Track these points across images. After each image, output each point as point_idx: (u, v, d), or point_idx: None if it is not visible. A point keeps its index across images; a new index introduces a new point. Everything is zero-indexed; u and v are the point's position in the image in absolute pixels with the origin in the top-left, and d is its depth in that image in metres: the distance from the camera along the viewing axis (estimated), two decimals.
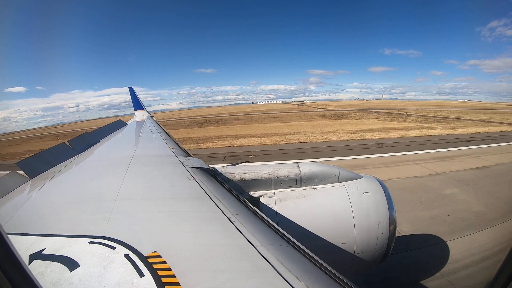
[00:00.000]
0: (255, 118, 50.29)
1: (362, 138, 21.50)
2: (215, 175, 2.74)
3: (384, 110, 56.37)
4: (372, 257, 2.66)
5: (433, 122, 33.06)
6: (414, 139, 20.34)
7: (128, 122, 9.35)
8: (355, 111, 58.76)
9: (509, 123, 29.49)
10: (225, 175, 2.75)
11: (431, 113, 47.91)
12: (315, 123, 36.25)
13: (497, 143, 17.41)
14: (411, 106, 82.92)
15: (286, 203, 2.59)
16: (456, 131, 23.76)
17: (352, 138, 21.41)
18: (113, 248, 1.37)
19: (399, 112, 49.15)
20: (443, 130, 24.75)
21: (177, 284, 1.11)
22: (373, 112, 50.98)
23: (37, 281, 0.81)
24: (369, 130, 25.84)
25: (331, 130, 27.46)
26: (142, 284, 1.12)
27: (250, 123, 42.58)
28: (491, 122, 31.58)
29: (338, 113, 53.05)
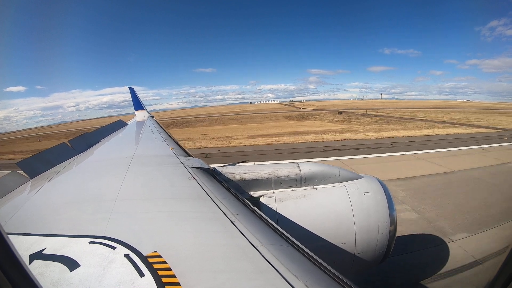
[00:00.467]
0: (220, 120, 50.62)
1: (231, 145, 20.01)
2: (215, 175, 2.74)
3: (356, 111, 56.57)
4: (372, 257, 2.66)
5: (382, 123, 31.49)
6: (288, 146, 18.67)
7: (129, 122, 9.36)
8: (326, 111, 59.24)
9: (469, 125, 28.22)
10: (225, 175, 2.75)
11: (403, 113, 47.67)
12: (256, 126, 35.82)
13: (355, 155, 14.37)
14: (397, 105, 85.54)
15: (286, 203, 2.59)
16: (360, 136, 21.48)
17: (217, 146, 20.28)
18: (113, 248, 1.37)
19: (366, 113, 49.83)
20: (359, 135, 22.53)
21: (177, 284, 1.11)
22: (338, 113, 52.20)
23: (37, 281, 0.81)
24: (278, 135, 24.69)
25: (236, 134, 26.59)
26: (142, 284, 1.12)
27: (212, 125, 42.83)
28: (451, 123, 30.13)
29: (305, 114, 53.65)
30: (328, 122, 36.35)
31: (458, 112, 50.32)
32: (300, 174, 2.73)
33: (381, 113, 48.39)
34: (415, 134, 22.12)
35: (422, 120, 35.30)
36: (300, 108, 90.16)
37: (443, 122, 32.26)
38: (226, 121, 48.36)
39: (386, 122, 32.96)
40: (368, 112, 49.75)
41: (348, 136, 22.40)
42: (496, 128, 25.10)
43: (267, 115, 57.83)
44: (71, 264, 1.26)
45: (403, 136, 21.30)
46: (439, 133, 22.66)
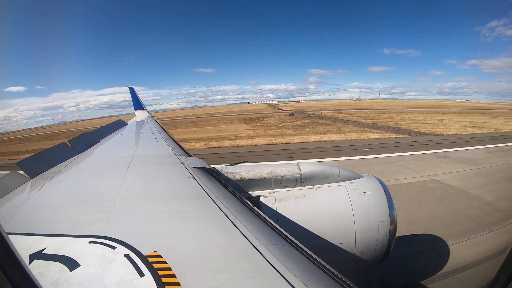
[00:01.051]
0: (178, 123, 50.81)
1: None
2: (215, 175, 2.74)
3: (317, 112, 57.18)
4: (372, 257, 2.65)
5: (294, 128, 30.37)
6: None
7: (129, 122, 9.35)
8: (283, 114, 58.98)
9: (396, 129, 26.30)
10: (225, 174, 2.75)
11: (367, 114, 47.90)
12: (188, 131, 35.56)
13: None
14: (378, 106, 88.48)
15: (286, 202, 2.59)
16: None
17: None
18: (113, 248, 1.37)
19: (321, 114, 51.86)
20: (245, 141, 21.71)
21: (177, 284, 1.11)
22: (289, 115, 53.28)
23: (37, 281, 0.81)
24: None
25: None
26: (142, 284, 1.12)
27: (170, 128, 42.57)
28: (378, 127, 28.09)
29: (263, 116, 54.04)
30: (252, 127, 35.49)
31: (433, 112, 50.95)
32: (300, 173, 2.73)
33: (336, 114, 49.97)
34: (283, 142, 20.59)
35: (359, 123, 33.19)
36: (275, 108, 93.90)
37: (372, 125, 30.49)
38: (184, 124, 48.68)
39: (305, 126, 31.97)
40: (323, 114, 51.59)
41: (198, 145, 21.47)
42: (418, 134, 23.08)
43: (231, 117, 57.91)
44: (71, 264, 1.26)
45: (244, 145, 20.04)
46: (327, 139, 21.10)
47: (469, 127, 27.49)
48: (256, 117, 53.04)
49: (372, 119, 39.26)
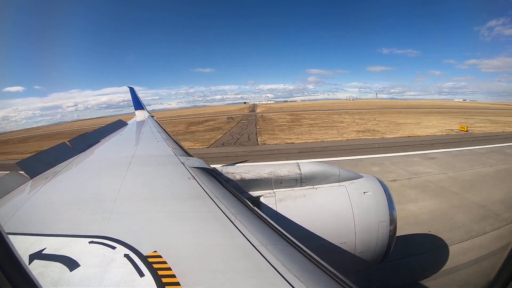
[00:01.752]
0: None
1: None
2: (215, 175, 2.75)
3: (278, 113, 60.24)
4: (372, 257, 2.65)
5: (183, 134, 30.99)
6: None
7: (129, 122, 9.36)
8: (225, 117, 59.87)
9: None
10: (225, 175, 2.76)
11: (315, 115, 49.63)
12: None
13: None
14: (359, 106, 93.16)
15: (286, 202, 2.59)
16: None
17: None
18: (113, 248, 1.37)
19: (262, 116, 54.32)
20: None
21: (177, 284, 1.11)
22: (227, 118, 53.19)
23: (37, 281, 0.81)
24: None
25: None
26: (142, 284, 1.12)
27: None
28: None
29: (210, 119, 55.33)
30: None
31: (399, 113, 51.81)
32: (300, 174, 2.73)
33: (276, 116, 51.54)
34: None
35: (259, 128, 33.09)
36: (245, 110, 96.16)
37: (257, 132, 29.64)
38: None
39: (200, 132, 32.80)
40: (264, 116, 53.42)
41: None
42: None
43: (184, 120, 58.54)
44: (71, 264, 1.26)
45: None
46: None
47: (364, 131, 25.22)
48: (203, 120, 53.92)
49: (298, 121, 40.27)
